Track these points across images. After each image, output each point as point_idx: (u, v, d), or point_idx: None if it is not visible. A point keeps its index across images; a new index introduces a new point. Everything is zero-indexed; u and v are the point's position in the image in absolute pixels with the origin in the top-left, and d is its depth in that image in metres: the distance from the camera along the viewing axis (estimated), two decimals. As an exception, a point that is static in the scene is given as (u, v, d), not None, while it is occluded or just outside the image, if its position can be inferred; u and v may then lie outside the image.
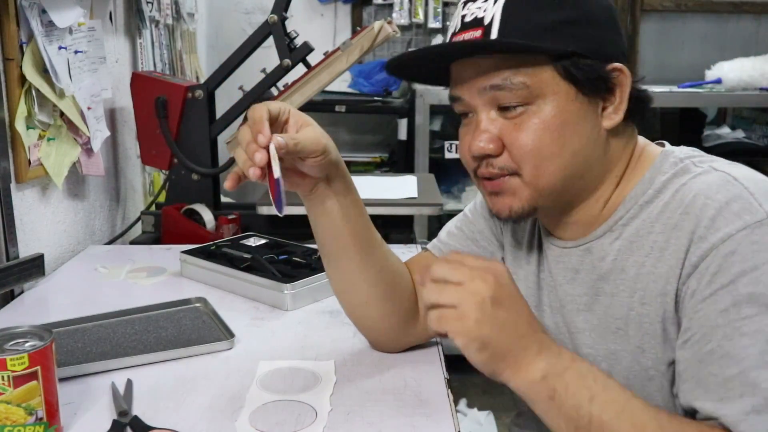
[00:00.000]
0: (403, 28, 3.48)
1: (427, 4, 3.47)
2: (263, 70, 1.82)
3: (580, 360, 0.79)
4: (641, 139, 0.93)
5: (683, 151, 0.90)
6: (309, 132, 0.89)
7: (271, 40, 1.78)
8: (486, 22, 0.83)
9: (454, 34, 0.87)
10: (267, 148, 0.83)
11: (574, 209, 0.92)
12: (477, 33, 0.84)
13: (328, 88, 1.96)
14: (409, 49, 0.85)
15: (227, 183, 0.87)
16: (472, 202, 1.12)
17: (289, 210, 0.89)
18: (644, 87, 0.90)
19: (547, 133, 0.84)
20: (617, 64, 0.85)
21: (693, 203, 0.81)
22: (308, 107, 2.37)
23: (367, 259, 1.01)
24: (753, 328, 0.73)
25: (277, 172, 0.83)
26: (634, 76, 0.87)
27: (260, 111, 0.84)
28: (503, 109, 0.85)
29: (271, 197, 0.85)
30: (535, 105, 0.84)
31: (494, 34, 0.82)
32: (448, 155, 3.03)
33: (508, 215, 0.90)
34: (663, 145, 0.93)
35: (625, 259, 0.87)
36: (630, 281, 0.87)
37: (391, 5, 3.48)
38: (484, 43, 0.84)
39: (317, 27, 3.47)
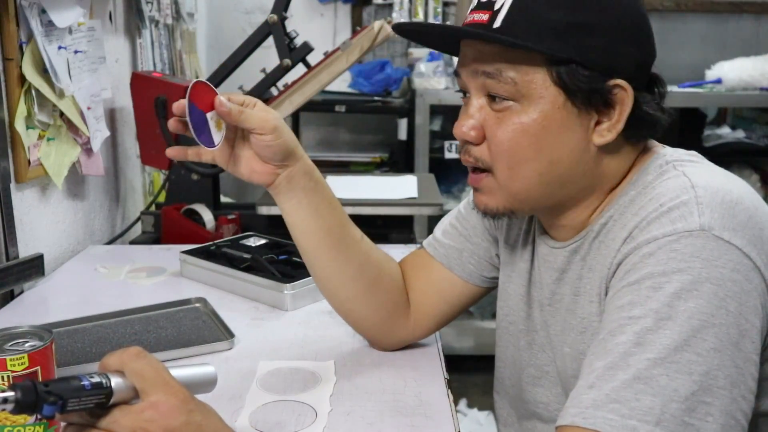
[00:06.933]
0: (403, 28, 3.48)
1: (427, 4, 3.47)
2: (263, 70, 1.82)
3: None
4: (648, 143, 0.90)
5: (675, 153, 0.87)
6: (259, 111, 0.93)
7: (271, 40, 1.78)
8: (496, 7, 0.81)
9: (471, 10, 0.86)
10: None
11: (561, 214, 0.91)
12: (485, 17, 0.82)
13: (328, 88, 1.96)
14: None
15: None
16: (466, 199, 1.12)
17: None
18: (651, 111, 0.84)
19: (525, 136, 0.82)
20: (620, 81, 0.81)
21: (646, 206, 0.80)
22: (308, 107, 2.38)
23: (344, 255, 1.02)
24: (632, 329, 0.72)
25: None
26: (644, 95, 0.83)
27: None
28: (492, 98, 0.84)
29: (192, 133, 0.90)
30: (521, 104, 0.82)
31: (497, 23, 0.81)
32: (448, 155, 3.02)
33: (484, 212, 0.90)
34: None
35: (593, 258, 0.87)
36: (591, 280, 0.87)
37: (391, 5, 3.48)
38: (474, 33, 0.83)
39: (317, 27, 3.47)
